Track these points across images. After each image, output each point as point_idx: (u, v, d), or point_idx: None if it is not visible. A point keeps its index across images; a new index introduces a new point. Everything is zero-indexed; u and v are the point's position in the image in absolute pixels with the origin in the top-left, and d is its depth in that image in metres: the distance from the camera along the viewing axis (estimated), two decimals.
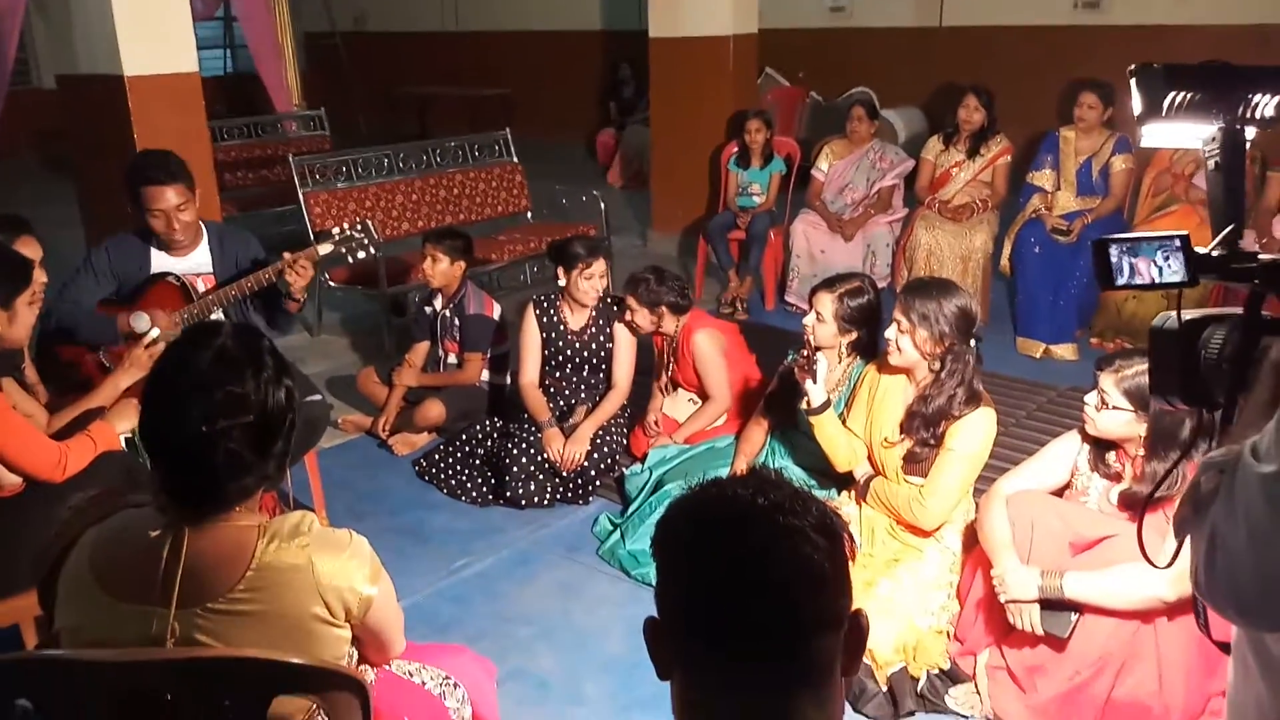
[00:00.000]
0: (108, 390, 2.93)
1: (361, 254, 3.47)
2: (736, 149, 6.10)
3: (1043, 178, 5.29)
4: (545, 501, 3.67)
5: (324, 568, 1.52)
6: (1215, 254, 1.20)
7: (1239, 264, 1.18)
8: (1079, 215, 5.12)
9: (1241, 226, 1.20)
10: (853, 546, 1.13)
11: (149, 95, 4.20)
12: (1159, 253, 1.18)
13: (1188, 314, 1.19)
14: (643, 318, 3.79)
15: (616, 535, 3.36)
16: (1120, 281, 1.19)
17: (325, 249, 3.37)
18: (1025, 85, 8.52)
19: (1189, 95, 1.20)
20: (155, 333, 3.05)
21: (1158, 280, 1.19)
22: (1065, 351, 5.09)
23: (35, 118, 10.31)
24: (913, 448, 2.85)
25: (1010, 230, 5.34)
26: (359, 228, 3.44)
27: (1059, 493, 2.68)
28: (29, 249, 2.82)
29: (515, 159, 6.42)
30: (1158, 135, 1.27)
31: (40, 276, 2.66)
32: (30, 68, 11.55)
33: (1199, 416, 1.20)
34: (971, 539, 2.80)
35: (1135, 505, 2.45)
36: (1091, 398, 2.53)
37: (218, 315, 3.32)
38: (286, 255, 3.23)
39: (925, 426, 2.80)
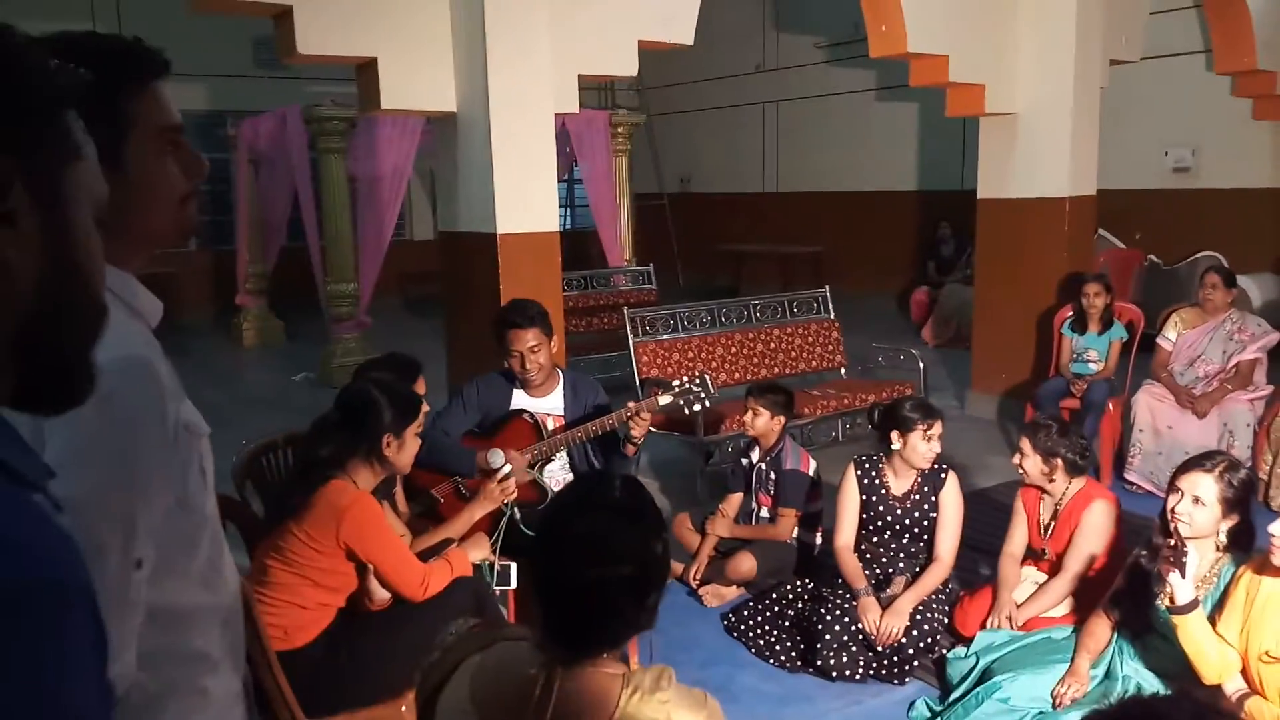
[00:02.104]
0: (463, 520, 3.20)
1: (697, 406, 3.59)
2: (1072, 312, 5.82)
3: None
4: (858, 676, 3.51)
5: None
6: None
7: None
8: None
9: None
10: None
11: (516, 250, 4.70)
12: None
13: None
14: (1032, 464, 3.58)
15: None
16: None
17: (665, 400, 3.52)
18: None
19: None
20: (507, 469, 3.31)
21: None
22: None
23: (403, 265, 12.02)
24: None
25: None
26: (698, 381, 3.55)
27: None
28: (418, 386, 3.18)
29: (833, 316, 6.49)
30: None
31: (424, 408, 2.98)
32: (405, 223, 13.54)
33: None
34: None
35: None
36: None
37: (562, 454, 3.55)
38: (631, 405, 3.41)
39: None
